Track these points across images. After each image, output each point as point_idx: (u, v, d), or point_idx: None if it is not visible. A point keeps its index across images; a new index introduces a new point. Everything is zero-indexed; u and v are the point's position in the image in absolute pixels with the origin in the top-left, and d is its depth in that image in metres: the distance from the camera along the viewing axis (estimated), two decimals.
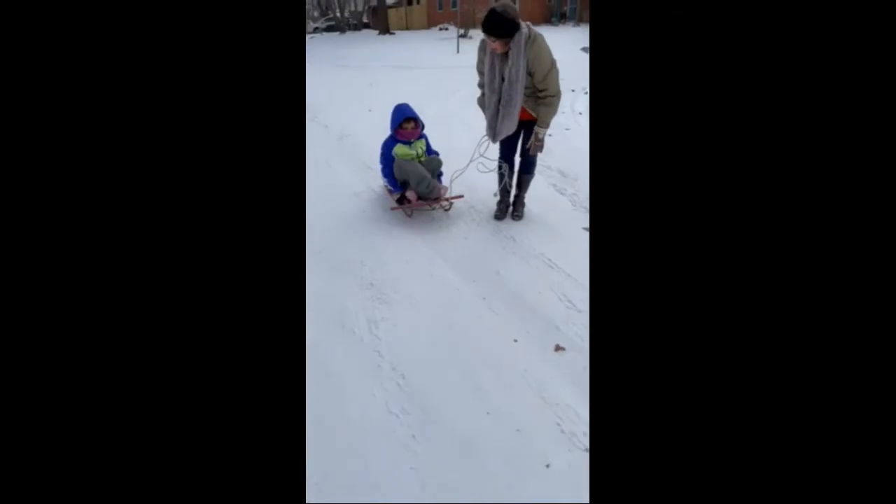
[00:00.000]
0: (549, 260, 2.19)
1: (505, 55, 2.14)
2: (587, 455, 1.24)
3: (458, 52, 12.07)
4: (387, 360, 1.59)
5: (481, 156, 2.51)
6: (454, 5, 18.29)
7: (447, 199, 2.64)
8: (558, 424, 1.33)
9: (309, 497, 1.04)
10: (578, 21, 17.86)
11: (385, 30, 19.79)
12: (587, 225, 2.53)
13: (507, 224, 2.56)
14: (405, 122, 2.64)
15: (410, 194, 2.56)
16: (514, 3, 19.28)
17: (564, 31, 15.67)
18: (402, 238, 2.45)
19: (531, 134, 2.34)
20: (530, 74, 2.16)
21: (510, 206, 2.64)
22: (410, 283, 2.04)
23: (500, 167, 2.54)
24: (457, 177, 2.65)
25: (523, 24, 2.09)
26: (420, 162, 2.64)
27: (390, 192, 2.73)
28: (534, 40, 2.11)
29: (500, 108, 2.24)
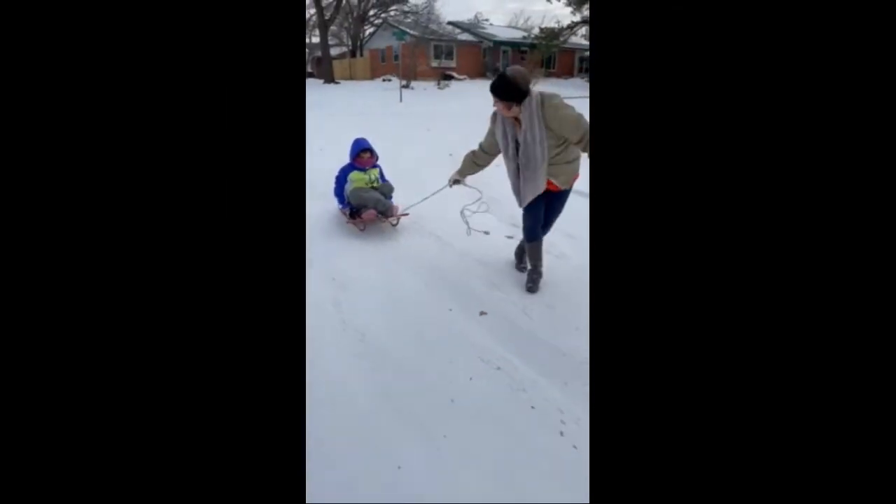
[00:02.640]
0: (478, 259, 2.75)
1: (517, 121, 2.08)
2: (498, 372, 1.74)
3: (400, 101, 12.99)
4: (349, 325, 2.04)
5: (467, 222, 2.72)
6: (396, 58, 19.60)
7: (396, 216, 3.18)
8: (479, 357, 1.84)
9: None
10: None
11: (330, 79, 20.71)
12: (510, 234, 3.15)
13: (445, 233, 3.11)
14: (362, 153, 3.24)
15: (369, 213, 3.06)
16: (452, 59, 20.91)
17: None
18: (356, 247, 2.92)
19: (556, 205, 2.31)
20: (560, 138, 2.04)
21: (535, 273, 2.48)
22: (365, 276, 2.51)
23: (524, 249, 2.50)
24: (409, 209, 3.20)
25: (534, 91, 2.01)
26: (374, 187, 3.21)
27: (342, 210, 3.28)
28: (550, 103, 1.99)
29: (521, 172, 2.16)
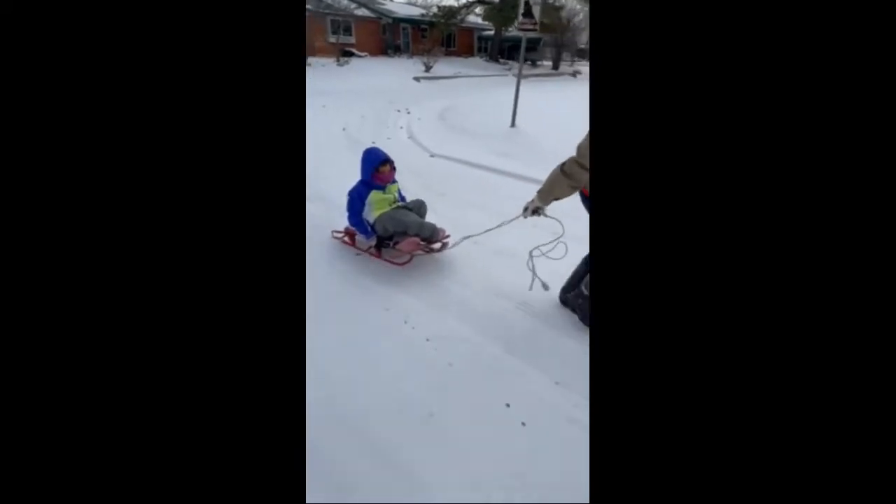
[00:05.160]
0: None
1: None
2: (387, 311, 2.14)
3: None
4: None
5: (534, 269, 2.14)
6: None
7: (441, 241, 2.48)
8: (398, 313, 2.21)
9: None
10: (412, 54, 19.80)
11: None
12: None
13: None
14: (381, 166, 2.44)
15: (409, 243, 2.39)
16: (351, 35, 20.45)
17: (399, 62, 17.36)
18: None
19: None
20: None
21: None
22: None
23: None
24: (466, 238, 2.44)
25: None
26: (408, 208, 2.55)
27: (346, 235, 2.69)
28: None
29: None
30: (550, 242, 2.06)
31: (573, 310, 2.08)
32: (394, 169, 2.51)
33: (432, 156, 4.83)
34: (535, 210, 1.90)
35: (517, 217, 2.07)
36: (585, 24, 28.31)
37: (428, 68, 15.66)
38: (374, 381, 1.66)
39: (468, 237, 2.41)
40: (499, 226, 2.25)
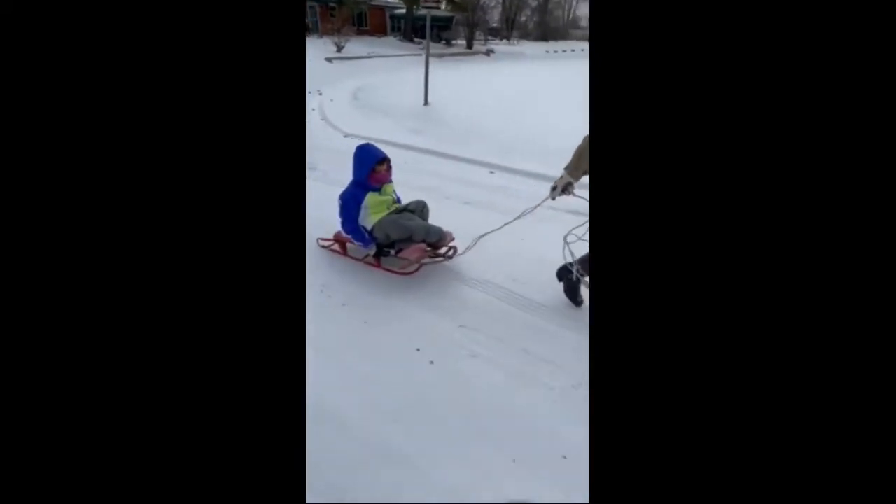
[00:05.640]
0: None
1: None
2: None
3: None
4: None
5: (572, 255, 1.97)
6: None
7: (448, 245, 2.27)
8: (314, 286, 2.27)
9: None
10: (322, 34, 19.05)
11: None
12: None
13: None
14: (378, 165, 2.19)
15: (415, 250, 2.17)
16: None
17: (308, 42, 16.62)
18: None
19: None
20: None
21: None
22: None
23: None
24: (482, 237, 2.28)
25: None
26: (410, 210, 2.31)
27: (336, 243, 2.42)
28: None
29: None
30: (583, 224, 1.86)
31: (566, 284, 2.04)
32: (390, 167, 2.26)
33: (346, 136, 4.84)
34: (565, 188, 1.82)
35: (545, 199, 1.92)
36: (496, 3, 28.77)
37: (339, 48, 15.24)
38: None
39: (484, 235, 2.24)
40: (520, 216, 2.14)
